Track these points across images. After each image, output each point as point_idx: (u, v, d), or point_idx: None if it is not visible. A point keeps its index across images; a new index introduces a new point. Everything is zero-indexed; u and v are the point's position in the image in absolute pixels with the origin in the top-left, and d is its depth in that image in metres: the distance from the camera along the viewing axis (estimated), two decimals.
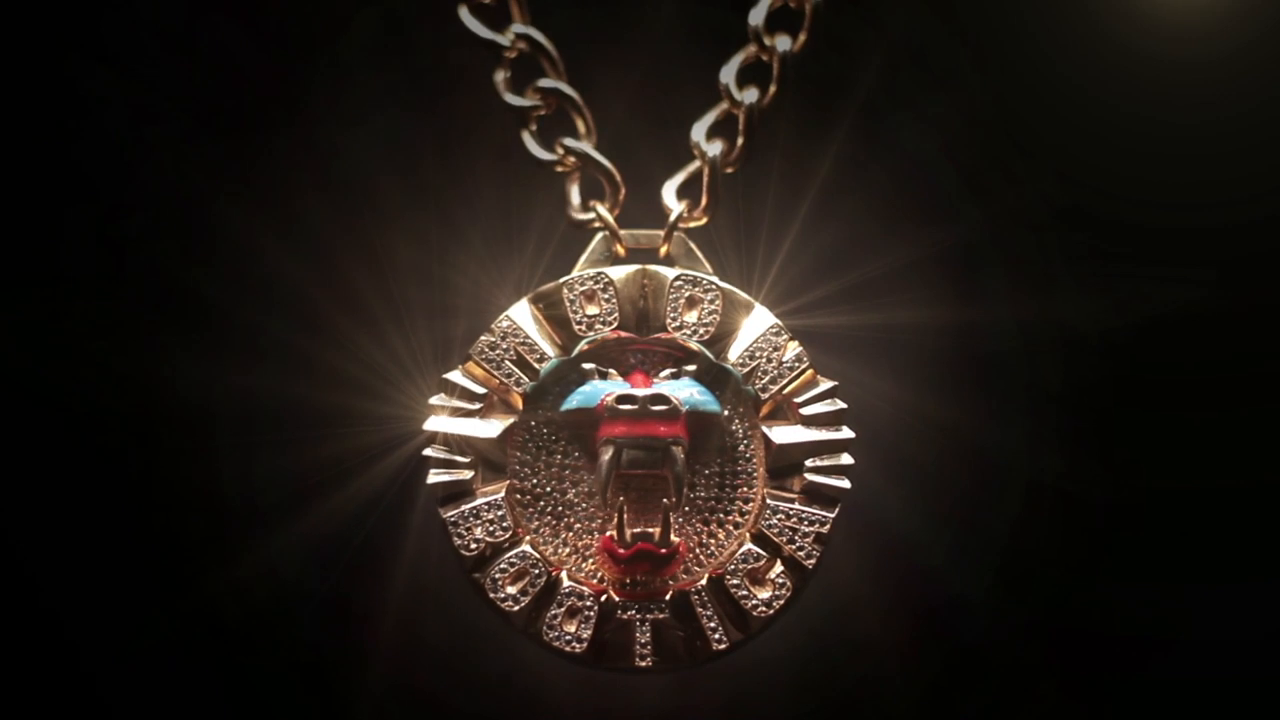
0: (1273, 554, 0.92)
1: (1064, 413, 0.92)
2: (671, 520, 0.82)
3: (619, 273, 0.84)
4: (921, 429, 0.90)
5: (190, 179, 0.91)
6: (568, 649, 0.82)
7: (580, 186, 0.86)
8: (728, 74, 0.86)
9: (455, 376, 0.84)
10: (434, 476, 0.83)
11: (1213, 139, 0.92)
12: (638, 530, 0.82)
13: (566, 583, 0.82)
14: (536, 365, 0.83)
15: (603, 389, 0.82)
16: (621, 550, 0.81)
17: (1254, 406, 0.92)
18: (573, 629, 0.82)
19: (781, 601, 0.82)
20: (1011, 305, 0.92)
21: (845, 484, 0.82)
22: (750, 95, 0.85)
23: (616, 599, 0.82)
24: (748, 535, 0.83)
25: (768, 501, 0.82)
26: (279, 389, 0.90)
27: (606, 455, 0.81)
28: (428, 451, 0.83)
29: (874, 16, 0.90)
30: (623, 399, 0.80)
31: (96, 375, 0.91)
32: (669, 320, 0.83)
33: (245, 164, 0.91)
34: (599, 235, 0.86)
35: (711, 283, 0.83)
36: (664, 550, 0.81)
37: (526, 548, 0.82)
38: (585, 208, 0.86)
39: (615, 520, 0.81)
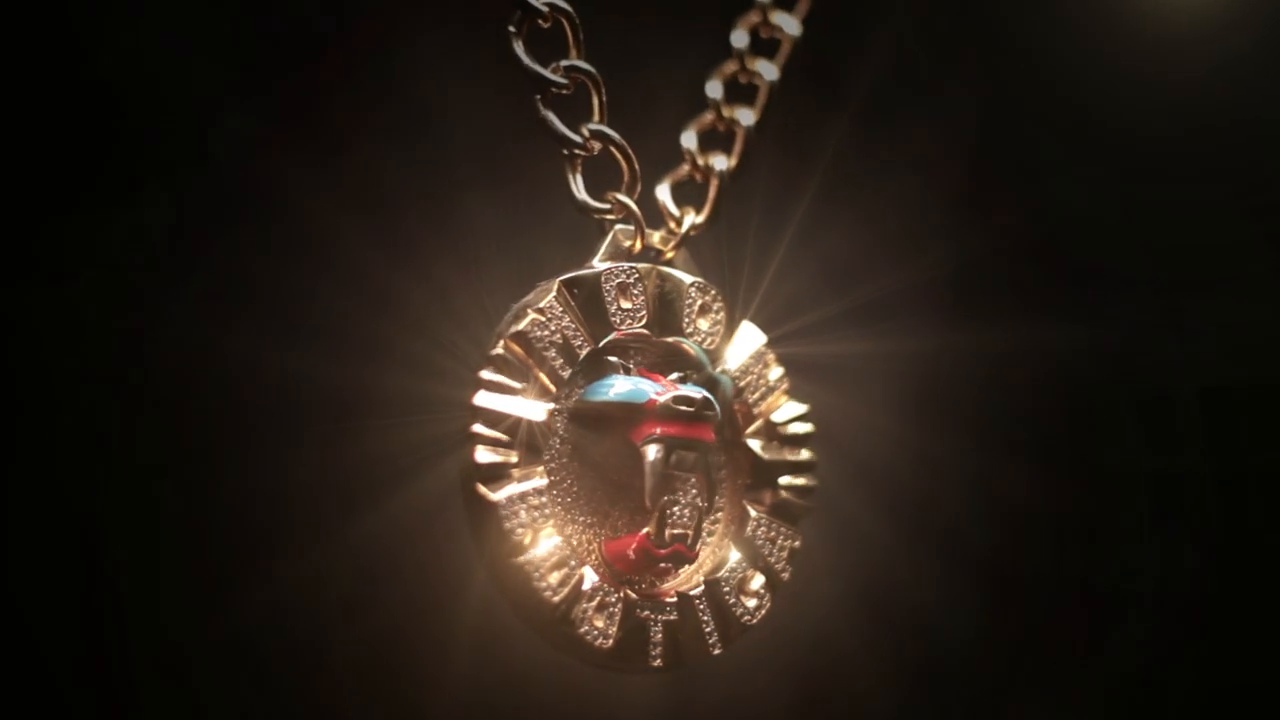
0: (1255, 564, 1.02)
1: (1045, 435, 0.99)
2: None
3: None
4: (900, 451, 0.95)
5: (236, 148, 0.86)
6: (596, 644, 0.80)
7: (584, 174, 0.85)
8: (715, 90, 0.88)
9: (502, 352, 0.79)
10: (483, 455, 0.78)
11: (1203, 164, 1.00)
12: (676, 531, 0.82)
13: (593, 577, 0.80)
14: (578, 351, 0.81)
15: (637, 384, 0.81)
16: (660, 551, 0.81)
17: (1229, 426, 1.02)
18: (601, 624, 0.80)
19: (763, 612, 0.85)
20: (997, 329, 0.98)
21: (811, 504, 0.88)
22: (746, 116, 0.88)
23: (634, 597, 0.81)
24: (731, 544, 0.85)
25: (750, 513, 0.86)
26: (317, 371, 0.84)
27: (655, 454, 0.80)
28: (476, 428, 0.78)
29: (861, 36, 0.95)
30: (680, 399, 0.80)
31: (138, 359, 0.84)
32: (685, 324, 0.84)
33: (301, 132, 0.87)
34: (615, 228, 0.85)
35: (719, 293, 0.85)
36: (693, 552, 0.82)
37: (558, 538, 0.80)
38: (602, 197, 0.84)
39: (656, 519, 0.81)
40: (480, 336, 0.82)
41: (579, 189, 0.84)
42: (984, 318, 1.00)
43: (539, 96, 0.83)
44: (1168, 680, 1.02)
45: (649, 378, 0.82)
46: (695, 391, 0.81)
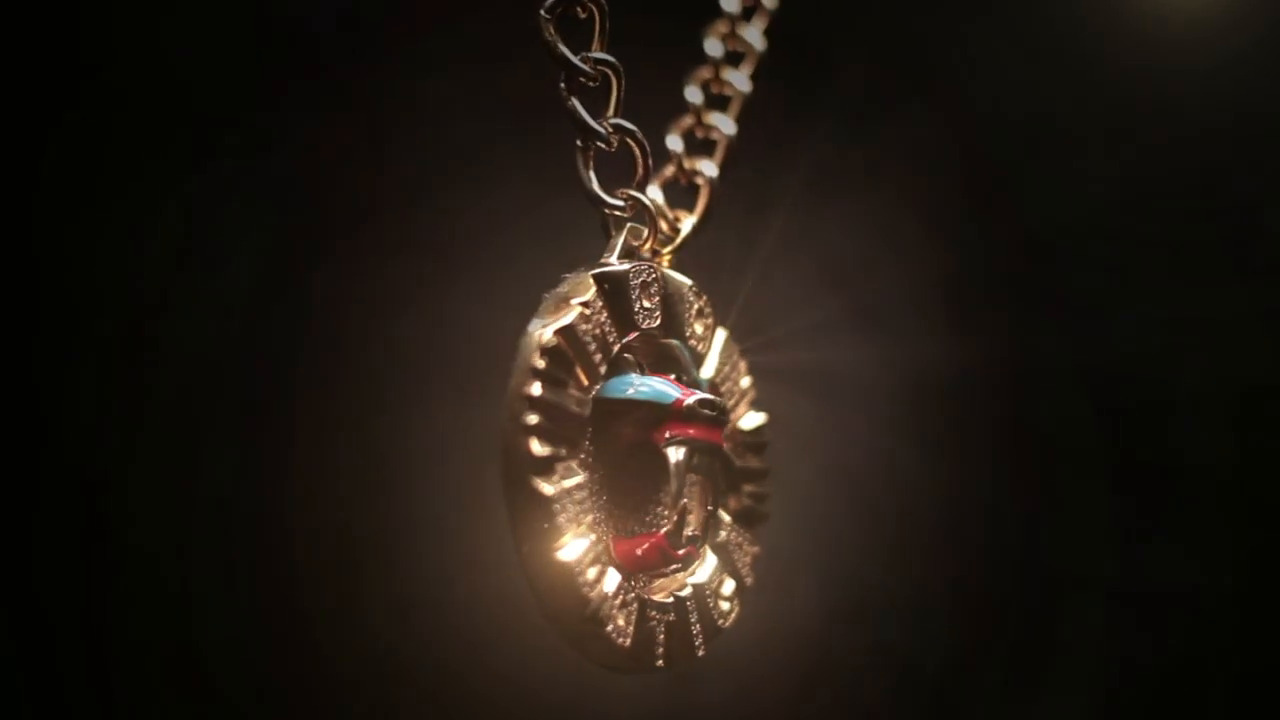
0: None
1: (1022, 447, 1.00)
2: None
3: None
4: (875, 455, 0.95)
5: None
6: (618, 642, 0.79)
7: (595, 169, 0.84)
8: (694, 95, 0.89)
9: (556, 342, 0.77)
10: (538, 447, 0.76)
11: (1201, 167, 1.00)
12: (689, 533, 0.82)
13: (616, 576, 0.80)
14: (611, 347, 0.80)
15: (657, 384, 0.81)
16: (678, 552, 0.81)
17: (1219, 430, 1.02)
18: (622, 623, 0.80)
19: (734, 616, 0.86)
20: (966, 341, 0.98)
21: (768, 512, 0.89)
22: (728, 126, 0.89)
23: (646, 597, 0.81)
24: (707, 548, 0.86)
25: (724, 519, 0.87)
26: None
27: (680, 455, 0.80)
28: (530, 419, 0.76)
29: (850, 39, 0.96)
30: (704, 403, 0.81)
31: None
32: (685, 327, 0.84)
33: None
34: (628, 225, 0.84)
35: (708, 298, 0.86)
36: (699, 554, 0.83)
37: (592, 535, 0.79)
38: (613, 192, 0.83)
39: (676, 521, 0.81)
40: (483, 330, 0.80)
41: (593, 182, 0.82)
42: (968, 323, 1.02)
43: (564, 85, 0.81)
44: (1146, 681, 1.05)
45: (658, 378, 0.82)
46: (713, 395, 0.81)
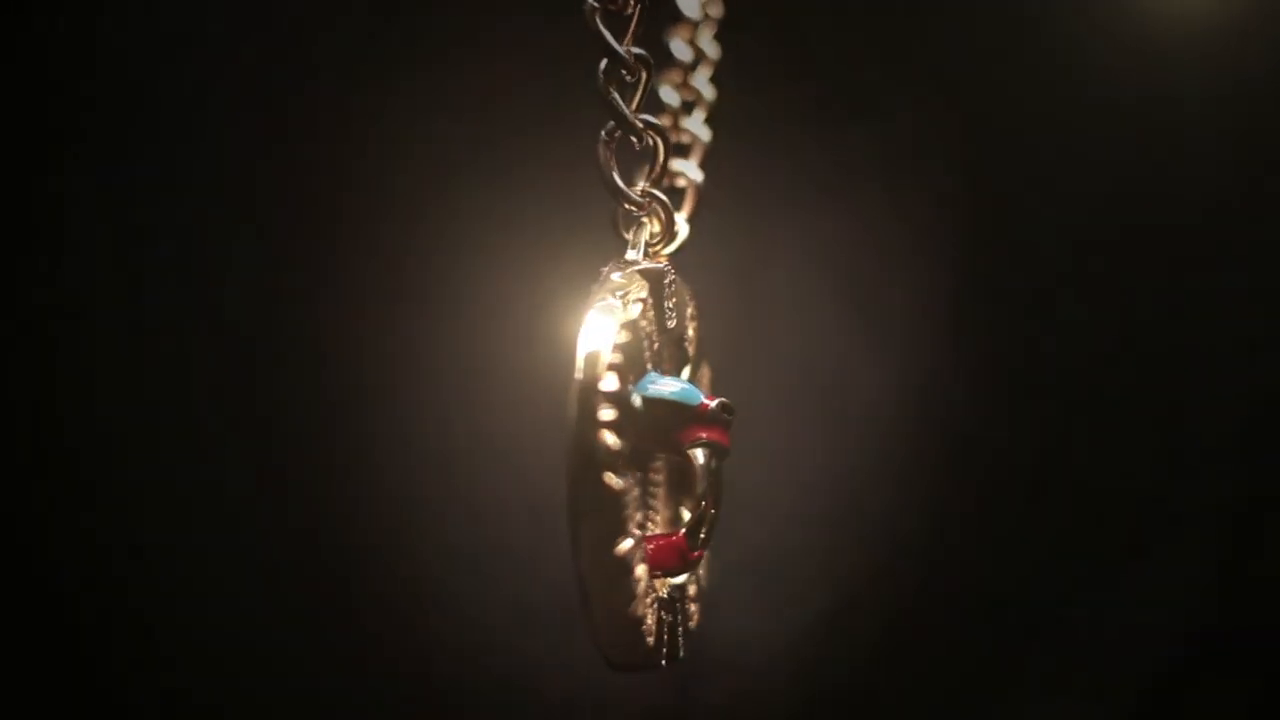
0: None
1: (1019, 450, 1.00)
2: None
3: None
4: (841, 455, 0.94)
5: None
6: (647, 640, 0.79)
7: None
8: (670, 96, 0.90)
9: (624, 338, 0.77)
10: (614, 441, 0.75)
11: (1199, 170, 1.00)
12: (704, 535, 0.83)
13: (646, 573, 0.80)
14: (654, 344, 0.80)
15: (680, 384, 0.82)
16: (694, 554, 0.82)
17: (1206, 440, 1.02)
18: (650, 621, 0.80)
19: (698, 616, 0.87)
20: (959, 345, 0.99)
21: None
22: (703, 132, 0.90)
23: (663, 596, 0.81)
24: None
25: None
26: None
27: (703, 458, 0.81)
28: (606, 414, 0.75)
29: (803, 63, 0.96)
30: (724, 407, 0.82)
31: None
32: (684, 328, 0.85)
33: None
34: (646, 225, 0.83)
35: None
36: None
37: (638, 532, 0.79)
38: (632, 187, 0.83)
39: (695, 522, 0.82)
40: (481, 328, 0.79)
41: (617, 175, 0.82)
42: (961, 328, 1.03)
43: (603, 76, 0.81)
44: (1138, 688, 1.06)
45: (672, 378, 0.82)
46: (725, 399, 0.82)
